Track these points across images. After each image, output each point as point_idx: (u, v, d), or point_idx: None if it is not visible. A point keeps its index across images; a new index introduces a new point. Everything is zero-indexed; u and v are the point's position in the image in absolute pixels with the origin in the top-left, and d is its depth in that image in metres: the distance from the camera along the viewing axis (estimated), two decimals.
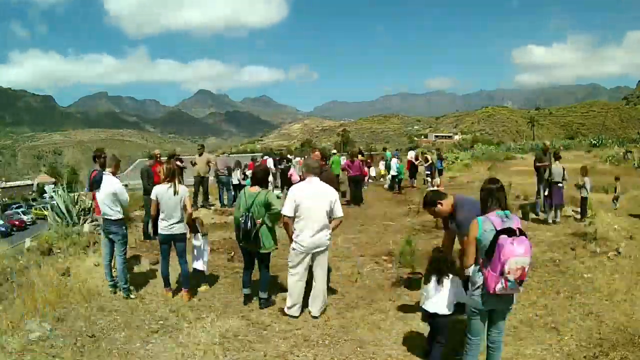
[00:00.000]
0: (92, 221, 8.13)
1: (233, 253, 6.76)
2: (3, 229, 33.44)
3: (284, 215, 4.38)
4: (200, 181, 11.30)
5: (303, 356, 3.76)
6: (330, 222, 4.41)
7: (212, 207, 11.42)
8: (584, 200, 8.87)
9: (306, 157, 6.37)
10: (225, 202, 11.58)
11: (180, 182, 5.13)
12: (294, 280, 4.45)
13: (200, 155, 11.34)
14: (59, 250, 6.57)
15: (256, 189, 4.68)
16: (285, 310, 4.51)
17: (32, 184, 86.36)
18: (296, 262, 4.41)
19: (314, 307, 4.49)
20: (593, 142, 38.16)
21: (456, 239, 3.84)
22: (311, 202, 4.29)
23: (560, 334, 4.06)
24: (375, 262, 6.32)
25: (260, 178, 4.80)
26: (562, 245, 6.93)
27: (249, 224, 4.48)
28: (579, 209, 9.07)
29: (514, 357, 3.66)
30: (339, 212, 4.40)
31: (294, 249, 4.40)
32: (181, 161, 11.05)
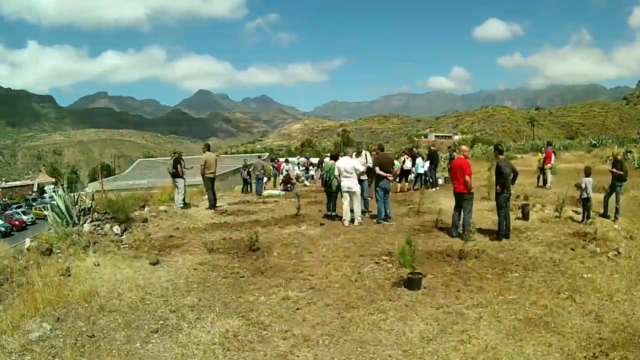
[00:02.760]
0: (92, 221, 8.13)
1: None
2: (3, 229, 33.47)
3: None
4: (212, 180, 11.41)
5: (303, 356, 3.76)
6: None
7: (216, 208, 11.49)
8: (585, 201, 8.72)
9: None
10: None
11: None
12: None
13: (208, 150, 11.88)
14: (59, 250, 6.56)
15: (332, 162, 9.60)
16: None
17: (32, 184, 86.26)
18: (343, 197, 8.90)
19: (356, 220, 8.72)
20: (593, 142, 38.17)
21: None
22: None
23: (560, 334, 4.06)
24: (375, 262, 6.32)
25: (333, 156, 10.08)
26: (562, 245, 6.93)
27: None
28: (580, 209, 9.04)
29: (514, 357, 3.67)
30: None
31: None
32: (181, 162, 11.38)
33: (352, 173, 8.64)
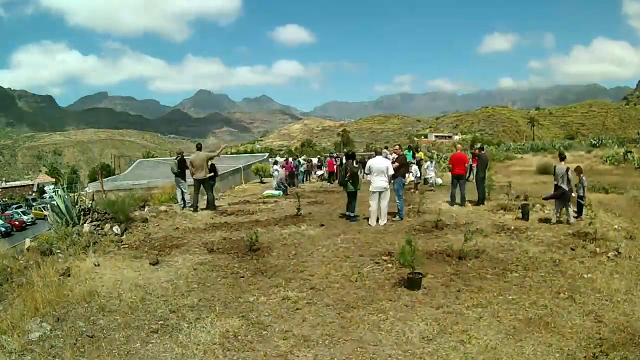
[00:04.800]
0: (91, 221, 8.13)
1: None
2: (3, 229, 33.44)
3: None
4: (201, 183, 11.06)
5: (303, 356, 3.76)
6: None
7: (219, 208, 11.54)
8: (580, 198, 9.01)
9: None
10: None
11: None
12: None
13: (198, 150, 11.42)
14: (58, 250, 6.57)
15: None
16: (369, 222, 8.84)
17: (32, 184, 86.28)
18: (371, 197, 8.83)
19: (382, 220, 8.81)
20: (593, 142, 38.12)
21: None
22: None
23: (560, 334, 4.06)
24: (375, 262, 6.32)
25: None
26: (562, 245, 6.93)
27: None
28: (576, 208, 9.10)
29: (514, 357, 3.67)
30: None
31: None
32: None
33: (384, 172, 8.73)
